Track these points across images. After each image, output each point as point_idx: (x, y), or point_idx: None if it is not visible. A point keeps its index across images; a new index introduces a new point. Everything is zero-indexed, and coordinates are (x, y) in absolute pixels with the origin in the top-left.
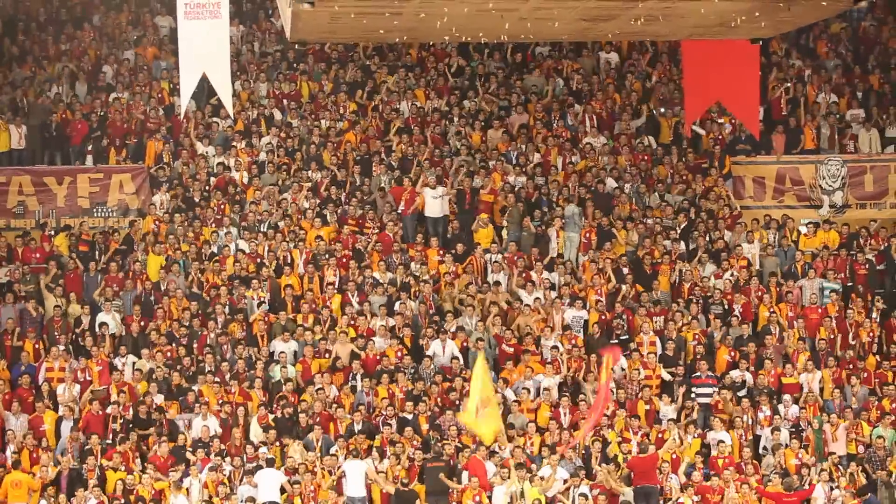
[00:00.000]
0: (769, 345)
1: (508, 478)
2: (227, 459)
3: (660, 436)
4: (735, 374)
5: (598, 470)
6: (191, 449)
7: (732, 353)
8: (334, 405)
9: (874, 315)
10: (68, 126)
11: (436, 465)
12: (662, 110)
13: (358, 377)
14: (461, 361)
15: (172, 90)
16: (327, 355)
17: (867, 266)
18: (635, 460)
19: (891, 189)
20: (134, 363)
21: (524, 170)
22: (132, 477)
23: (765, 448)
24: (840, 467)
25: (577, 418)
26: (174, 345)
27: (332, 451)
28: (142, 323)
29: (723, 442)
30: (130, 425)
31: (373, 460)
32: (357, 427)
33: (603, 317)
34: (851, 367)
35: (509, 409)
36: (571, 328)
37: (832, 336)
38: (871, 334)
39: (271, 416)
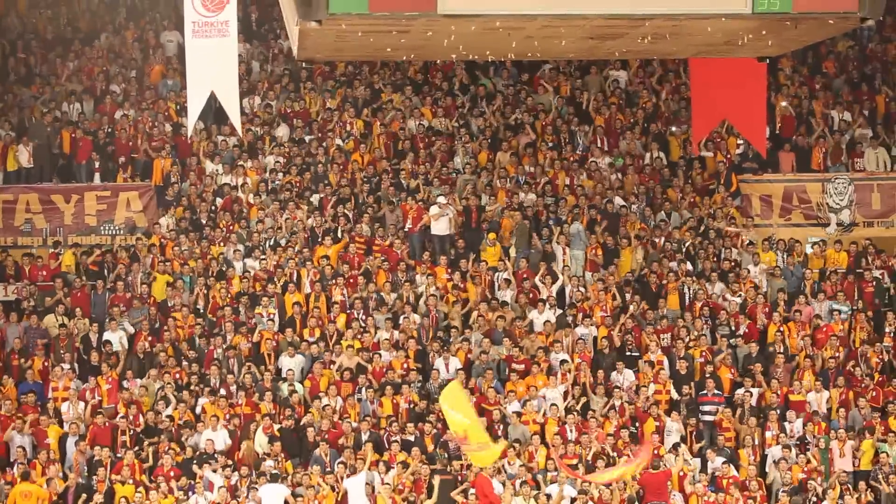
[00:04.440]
0: (778, 364)
1: (516, 495)
2: (235, 473)
3: (655, 451)
4: (739, 393)
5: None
6: (196, 462)
7: (733, 372)
8: (342, 418)
9: (887, 330)
10: (74, 144)
11: (445, 479)
12: (674, 129)
13: (363, 389)
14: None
15: (179, 109)
16: (332, 366)
17: (874, 284)
18: (647, 476)
19: None
20: (143, 386)
21: (532, 188)
22: (140, 493)
23: (773, 465)
24: (849, 485)
25: (582, 432)
26: (182, 365)
27: (337, 462)
28: (149, 339)
29: (726, 463)
30: (140, 437)
31: (379, 473)
32: (364, 437)
33: (610, 332)
34: (862, 386)
35: (509, 422)
36: (584, 341)
37: (838, 355)
38: (881, 353)
39: (276, 427)
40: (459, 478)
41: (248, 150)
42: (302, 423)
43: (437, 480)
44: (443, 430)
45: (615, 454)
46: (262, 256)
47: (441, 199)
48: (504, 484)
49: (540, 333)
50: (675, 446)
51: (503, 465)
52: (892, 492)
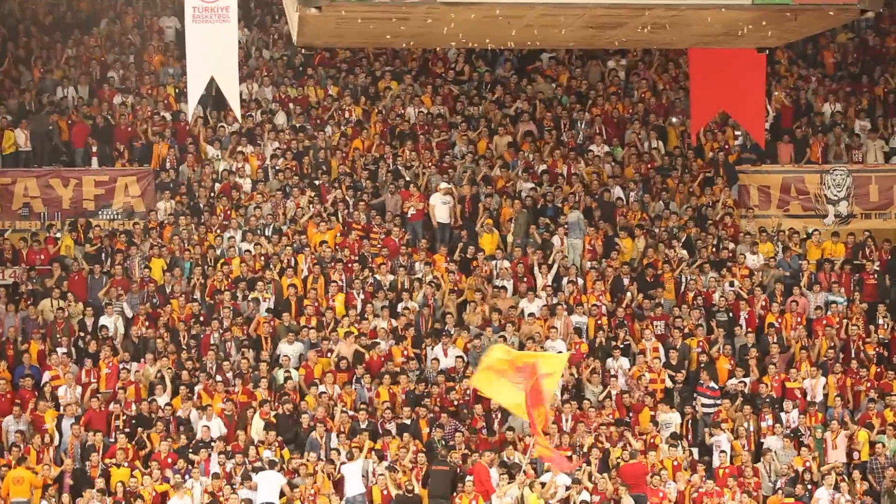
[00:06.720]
0: (773, 353)
1: (510, 482)
2: (231, 460)
3: (651, 440)
4: (732, 383)
5: (597, 478)
6: (192, 450)
7: (732, 362)
8: (337, 404)
9: (881, 321)
10: (73, 129)
11: (439, 469)
12: (674, 120)
13: (361, 377)
14: (464, 360)
15: (178, 95)
16: (329, 354)
17: (875, 276)
18: (626, 467)
19: None
20: (138, 370)
21: (531, 177)
22: (135, 479)
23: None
24: (844, 476)
25: (578, 420)
26: (180, 350)
27: (333, 445)
28: (146, 324)
29: (724, 452)
30: (134, 421)
31: (373, 463)
32: (362, 426)
33: (603, 322)
34: (857, 377)
35: (509, 413)
36: (581, 330)
37: (833, 345)
38: (877, 345)
39: (273, 413)
40: (458, 469)
41: (247, 137)
42: (298, 409)
43: (432, 470)
44: (438, 415)
45: (609, 445)
46: (257, 240)
47: (444, 185)
48: (500, 473)
49: (537, 319)
50: (674, 436)
51: (503, 456)
52: (891, 485)
